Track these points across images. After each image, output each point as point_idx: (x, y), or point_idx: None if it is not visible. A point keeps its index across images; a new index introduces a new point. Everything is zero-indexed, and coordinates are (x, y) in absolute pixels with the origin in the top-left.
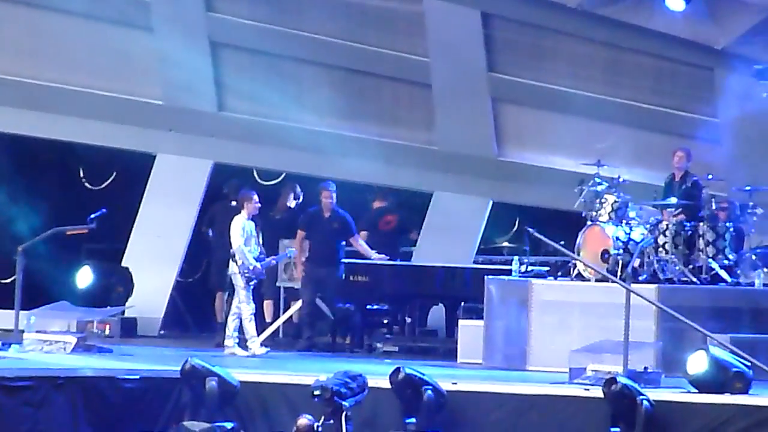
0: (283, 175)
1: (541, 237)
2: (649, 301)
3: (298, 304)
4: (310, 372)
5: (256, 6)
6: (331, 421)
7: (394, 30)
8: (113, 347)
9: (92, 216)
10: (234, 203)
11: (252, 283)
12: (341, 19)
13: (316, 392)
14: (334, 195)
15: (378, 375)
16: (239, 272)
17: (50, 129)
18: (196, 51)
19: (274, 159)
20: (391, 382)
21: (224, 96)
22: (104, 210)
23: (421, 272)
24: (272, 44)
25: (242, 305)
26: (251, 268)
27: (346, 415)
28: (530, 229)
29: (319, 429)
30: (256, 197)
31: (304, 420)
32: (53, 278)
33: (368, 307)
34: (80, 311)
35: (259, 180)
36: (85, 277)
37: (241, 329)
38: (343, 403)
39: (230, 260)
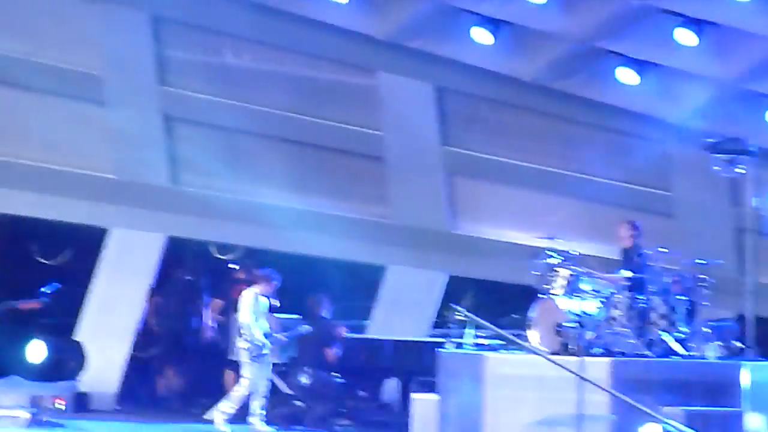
0: (240, 249)
1: (468, 314)
2: (585, 379)
3: None
4: None
5: (210, 80)
6: None
7: (347, 103)
8: (66, 422)
9: (44, 289)
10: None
11: (256, 359)
12: (294, 93)
13: None
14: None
15: None
16: (246, 348)
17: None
18: (149, 125)
19: (228, 233)
20: None
21: (178, 170)
22: (57, 284)
23: (374, 345)
24: (225, 118)
25: (241, 380)
26: (257, 344)
27: None
28: (455, 306)
29: None
30: (276, 282)
31: None
32: (4, 353)
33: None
34: (32, 386)
35: (216, 254)
36: (37, 351)
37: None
38: None
39: (238, 336)
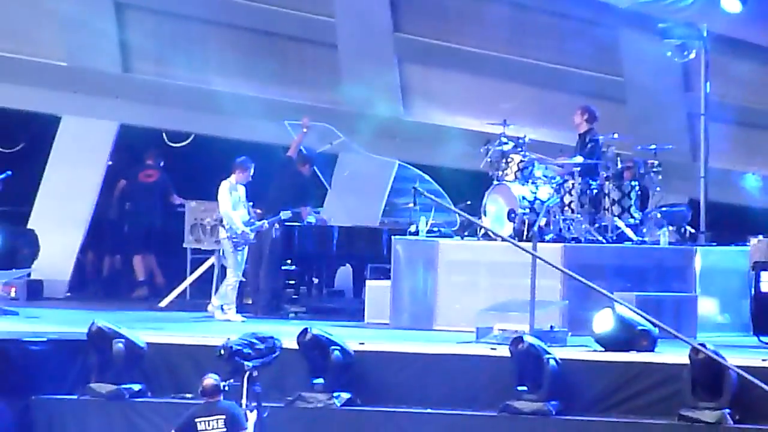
0: (191, 137)
1: (431, 196)
2: (544, 261)
3: (205, 265)
4: (219, 334)
5: None
6: (231, 380)
7: None
8: (19, 310)
9: None
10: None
11: (240, 248)
12: None
13: (220, 352)
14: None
15: (285, 336)
16: (227, 237)
17: None
18: (101, 11)
19: (180, 120)
20: (298, 343)
21: (129, 57)
22: (9, 172)
23: (327, 232)
24: (177, 5)
25: (228, 271)
26: (239, 232)
27: (250, 375)
28: (418, 188)
29: (226, 389)
30: (251, 170)
31: (209, 380)
32: None
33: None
34: None
35: (168, 142)
36: None
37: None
38: (246, 363)
39: (219, 226)
